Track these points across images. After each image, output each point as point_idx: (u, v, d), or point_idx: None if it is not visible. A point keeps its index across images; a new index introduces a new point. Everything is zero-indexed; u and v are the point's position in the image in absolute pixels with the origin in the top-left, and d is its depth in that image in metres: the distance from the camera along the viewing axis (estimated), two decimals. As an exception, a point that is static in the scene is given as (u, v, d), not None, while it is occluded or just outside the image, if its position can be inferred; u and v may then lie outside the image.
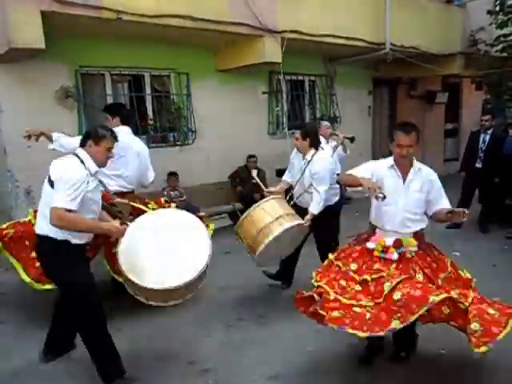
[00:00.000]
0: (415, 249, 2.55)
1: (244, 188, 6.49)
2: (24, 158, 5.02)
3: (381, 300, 2.29)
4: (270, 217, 3.26)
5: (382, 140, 8.68)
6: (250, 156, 6.54)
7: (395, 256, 2.50)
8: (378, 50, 6.95)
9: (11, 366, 2.85)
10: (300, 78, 7.57)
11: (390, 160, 2.68)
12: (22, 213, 5.15)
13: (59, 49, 5.06)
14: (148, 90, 6.12)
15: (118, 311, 3.62)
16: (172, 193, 5.99)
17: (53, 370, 2.80)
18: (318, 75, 7.76)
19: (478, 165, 5.73)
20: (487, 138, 5.69)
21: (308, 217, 3.51)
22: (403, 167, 2.63)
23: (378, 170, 2.67)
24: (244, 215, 3.39)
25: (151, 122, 6.11)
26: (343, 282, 2.46)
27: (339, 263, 2.63)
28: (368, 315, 2.24)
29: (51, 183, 2.46)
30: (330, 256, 2.75)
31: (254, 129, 6.96)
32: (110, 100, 5.83)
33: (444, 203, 2.62)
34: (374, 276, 2.43)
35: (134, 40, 5.54)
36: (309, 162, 3.68)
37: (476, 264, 4.48)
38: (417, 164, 2.66)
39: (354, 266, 2.54)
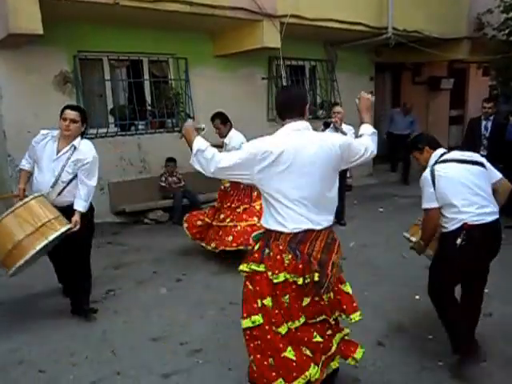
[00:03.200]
0: None
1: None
2: (24, 142, 5.04)
3: None
4: (31, 226, 2.79)
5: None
6: (249, 142, 6.54)
7: None
8: (380, 34, 6.83)
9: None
10: (300, 63, 7.50)
11: None
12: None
13: (57, 34, 5.09)
14: (146, 76, 6.13)
15: (114, 294, 3.75)
16: (170, 178, 6.05)
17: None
18: (319, 60, 7.68)
19: (483, 152, 5.59)
20: (489, 124, 5.61)
21: None
22: None
23: None
24: None
25: (149, 108, 6.14)
26: None
27: None
28: None
29: None
30: None
31: (253, 115, 6.93)
32: (108, 85, 5.87)
33: None
34: None
35: (132, 25, 5.53)
36: None
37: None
38: None
39: None
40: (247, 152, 2.03)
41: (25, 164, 3.29)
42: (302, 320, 2.10)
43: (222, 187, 4.49)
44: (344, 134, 4.97)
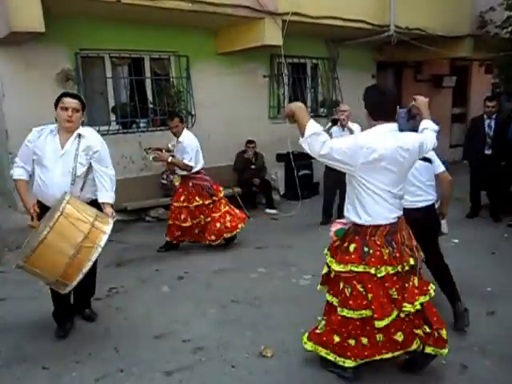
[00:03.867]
0: None
1: (242, 174, 6.52)
2: (26, 140, 5.10)
3: None
4: (78, 236, 2.46)
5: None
6: (249, 141, 6.54)
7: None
8: (382, 32, 6.81)
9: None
10: (302, 60, 7.48)
11: None
12: (24, 195, 5.29)
13: (59, 32, 5.08)
14: (148, 73, 6.12)
15: (117, 291, 3.75)
16: (171, 176, 6.03)
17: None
18: (321, 58, 7.66)
19: (488, 151, 5.59)
20: (493, 123, 5.56)
21: None
22: None
23: None
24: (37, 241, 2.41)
25: (151, 106, 6.13)
26: None
27: None
28: None
29: None
30: None
31: (255, 113, 6.93)
32: (109, 83, 5.86)
33: None
34: None
35: (133, 23, 5.53)
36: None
37: (475, 251, 4.52)
38: None
39: None
40: (355, 143, 2.20)
41: (21, 173, 2.90)
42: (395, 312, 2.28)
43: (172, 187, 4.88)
44: (352, 132, 4.95)
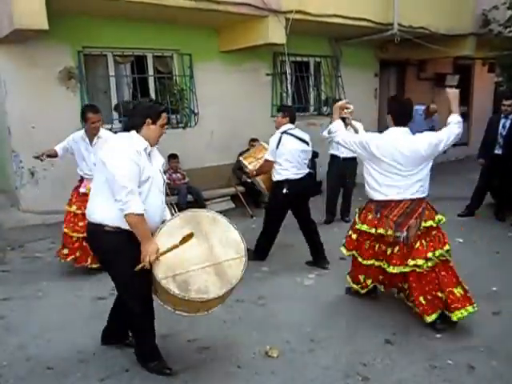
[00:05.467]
0: None
1: (246, 172, 6.49)
2: (28, 138, 5.10)
3: None
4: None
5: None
6: (253, 139, 6.52)
7: None
8: (386, 30, 6.78)
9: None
10: (305, 59, 7.45)
11: None
12: (26, 193, 5.28)
13: (62, 29, 5.06)
14: (151, 71, 6.09)
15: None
16: (174, 175, 6.03)
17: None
18: (324, 56, 7.63)
19: (498, 151, 5.47)
20: (508, 123, 5.39)
21: None
22: None
23: None
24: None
25: (154, 104, 6.10)
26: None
27: None
28: None
29: None
30: None
31: (258, 111, 6.91)
32: (112, 81, 5.84)
33: None
34: None
35: (136, 20, 5.50)
36: None
37: (479, 251, 4.50)
38: None
39: None
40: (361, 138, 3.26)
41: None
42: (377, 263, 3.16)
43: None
44: (356, 131, 4.92)
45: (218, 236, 2.43)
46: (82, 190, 3.95)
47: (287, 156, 3.99)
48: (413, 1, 6.84)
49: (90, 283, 3.81)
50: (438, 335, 2.93)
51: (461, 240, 4.80)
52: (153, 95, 6.12)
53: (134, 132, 2.39)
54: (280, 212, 4.20)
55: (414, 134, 3.11)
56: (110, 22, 5.41)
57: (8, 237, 4.95)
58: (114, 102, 5.89)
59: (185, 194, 5.87)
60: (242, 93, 6.66)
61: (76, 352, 2.79)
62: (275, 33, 5.71)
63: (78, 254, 3.94)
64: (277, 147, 3.98)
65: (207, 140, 6.51)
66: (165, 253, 2.33)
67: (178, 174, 6.06)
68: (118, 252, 2.36)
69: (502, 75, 9.08)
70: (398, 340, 2.90)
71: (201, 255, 2.37)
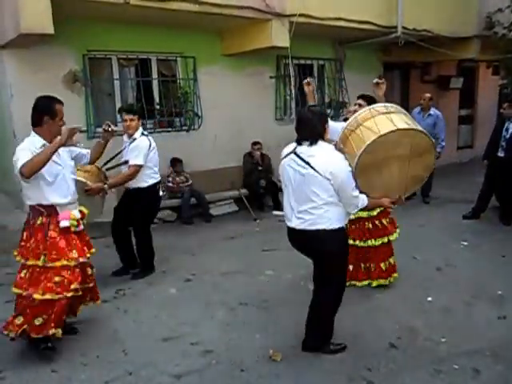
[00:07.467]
0: None
1: (249, 175, 6.50)
2: (33, 141, 5.12)
3: None
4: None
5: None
6: (255, 143, 6.52)
7: None
8: (389, 33, 6.77)
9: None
10: (309, 62, 7.45)
11: None
12: (31, 196, 5.30)
13: (67, 33, 5.09)
14: (155, 75, 6.12)
15: (124, 294, 3.74)
16: (178, 178, 6.04)
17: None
18: (327, 59, 7.64)
19: (500, 154, 5.47)
20: (511, 126, 5.38)
21: None
22: None
23: None
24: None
25: (158, 107, 6.13)
26: None
27: None
28: None
29: None
30: None
31: (261, 114, 6.91)
32: (117, 84, 5.87)
33: None
34: None
35: (141, 24, 5.53)
36: None
37: (484, 254, 4.47)
38: None
39: None
40: None
41: None
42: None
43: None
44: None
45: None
46: None
47: None
48: (417, 3, 6.83)
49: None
50: (443, 339, 2.91)
51: (465, 243, 4.78)
52: (157, 98, 6.14)
53: None
54: None
55: None
56: (115, 26, 5.44)
57: (12, 239, 4.95)
58: (119, 104, 5.90)
59: (188, 197, 5.89)
60: (245, 96, 6.67)
61: (80, 355, 2.80)
62: (279, 36, 5.72)
63: None
64: None
65: (211, 143, 6.52)
66: None
67: (182, 177, 6.07)
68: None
69: (507, 78, 9.03)
70: (402, 344, 2.89)
71: None
